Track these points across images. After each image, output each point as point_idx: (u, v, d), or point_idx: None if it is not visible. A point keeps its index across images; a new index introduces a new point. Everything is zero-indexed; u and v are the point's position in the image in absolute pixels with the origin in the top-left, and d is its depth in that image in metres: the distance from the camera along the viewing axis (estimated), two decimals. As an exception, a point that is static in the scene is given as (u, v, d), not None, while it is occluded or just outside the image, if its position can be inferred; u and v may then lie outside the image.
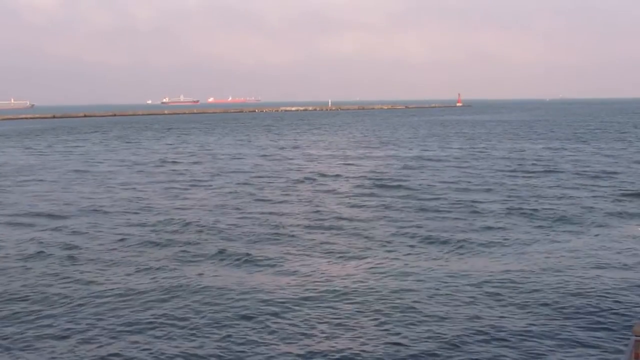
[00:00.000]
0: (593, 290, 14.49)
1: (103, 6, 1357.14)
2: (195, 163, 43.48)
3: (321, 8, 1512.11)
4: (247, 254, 17.83)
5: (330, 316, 13.05)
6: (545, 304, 13.61)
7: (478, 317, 12.82)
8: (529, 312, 13.09)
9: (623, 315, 12.97)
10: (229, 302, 13.92)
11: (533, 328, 12.27)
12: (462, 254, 17.69)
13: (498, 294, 14.14)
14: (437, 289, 14.54)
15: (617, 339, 11.70)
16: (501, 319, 12.72)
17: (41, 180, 35.08)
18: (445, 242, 18.92)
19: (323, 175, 35.32)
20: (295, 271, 16.27)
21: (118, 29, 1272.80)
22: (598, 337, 11.91)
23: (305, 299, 14.08)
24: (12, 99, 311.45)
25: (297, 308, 13.51)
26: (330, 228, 21.27)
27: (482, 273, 15.67)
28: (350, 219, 22.63)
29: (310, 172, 36.52)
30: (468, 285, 14.79)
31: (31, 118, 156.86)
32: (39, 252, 18.39)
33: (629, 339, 7.63)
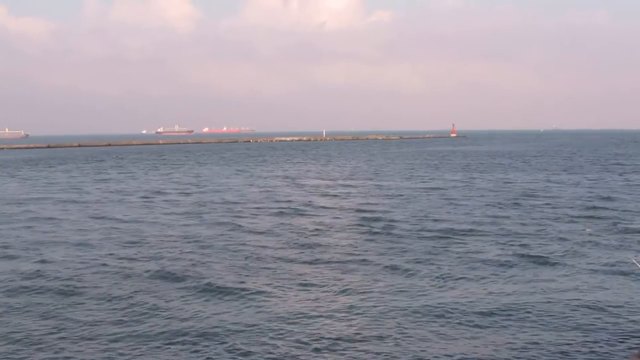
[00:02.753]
0: (586, 322, 14.32)
1: (93, 37, 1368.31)
2: (186, 194, 43.19)
3: (312, 39, 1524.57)
4: (233, 287, 17.55)
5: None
6: (536, 335, 13.39)
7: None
8: (519, 348, 12.82)
9: (618, 345, 12.82)
10: (217, 333, 13.60)
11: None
12: (445, 287, 17.42)
13: (492, 324, 13.88)
14: (418, 326, 14.25)
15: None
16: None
17: (29, 210, 34.72)
18: (429, 276, 18.67)
19: (314, 207, 35.11)
20: (278, 301, 15.97)
21: (110, 59, 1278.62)
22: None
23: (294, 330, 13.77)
24: (7, 129, 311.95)
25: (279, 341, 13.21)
26: (315, 261, 21.00)
27: (468, 307, 15.41)
28: (334, 251, 22.37)
29: (300, 204, 36.28)
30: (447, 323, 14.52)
31: (25, 148, 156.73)
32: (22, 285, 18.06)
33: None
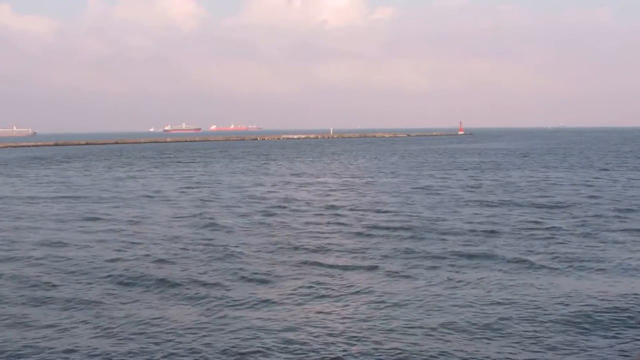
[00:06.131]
0: (592, 322, 13.90)
1: (97, 35, 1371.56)
2: (190, 193, 42.65)
3: (315, 37, 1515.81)
4: (236, 287, 16.96)
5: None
6: (539, 335, 12.92)
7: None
8: (522, 347, 12.18)
9: (623, 348, 12.40)
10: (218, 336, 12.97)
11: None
12: (445, 287, 16.76)
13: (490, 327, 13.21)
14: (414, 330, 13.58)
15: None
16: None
17: (28, 210, 34.30)
18: (430, 277, 18.02)
19: (326, 207, 34.50)
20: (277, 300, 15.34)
21: (113, 57, 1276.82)
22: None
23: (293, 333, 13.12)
24: (14, 127, 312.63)
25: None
26: (320, 263, 20.37)
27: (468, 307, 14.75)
28: (337, 250, 21.76)
29: (310, 203, 35.73)
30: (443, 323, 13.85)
31: (33, 146, 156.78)
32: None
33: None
